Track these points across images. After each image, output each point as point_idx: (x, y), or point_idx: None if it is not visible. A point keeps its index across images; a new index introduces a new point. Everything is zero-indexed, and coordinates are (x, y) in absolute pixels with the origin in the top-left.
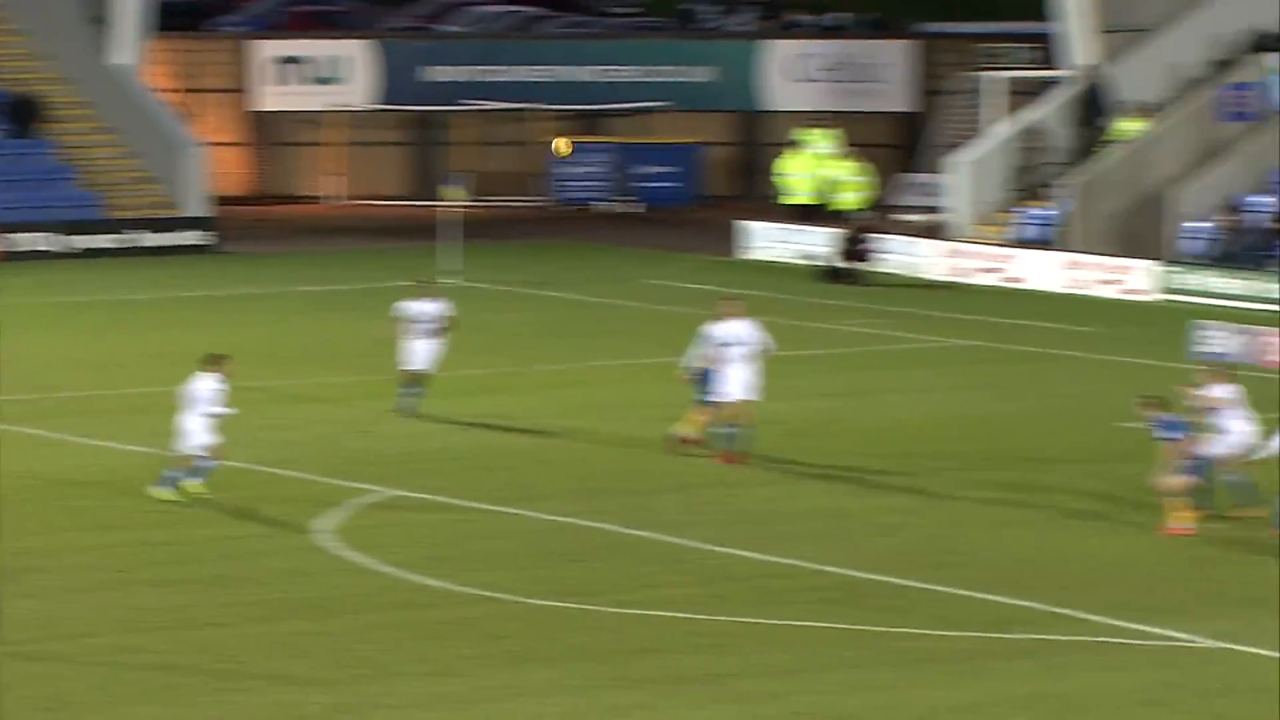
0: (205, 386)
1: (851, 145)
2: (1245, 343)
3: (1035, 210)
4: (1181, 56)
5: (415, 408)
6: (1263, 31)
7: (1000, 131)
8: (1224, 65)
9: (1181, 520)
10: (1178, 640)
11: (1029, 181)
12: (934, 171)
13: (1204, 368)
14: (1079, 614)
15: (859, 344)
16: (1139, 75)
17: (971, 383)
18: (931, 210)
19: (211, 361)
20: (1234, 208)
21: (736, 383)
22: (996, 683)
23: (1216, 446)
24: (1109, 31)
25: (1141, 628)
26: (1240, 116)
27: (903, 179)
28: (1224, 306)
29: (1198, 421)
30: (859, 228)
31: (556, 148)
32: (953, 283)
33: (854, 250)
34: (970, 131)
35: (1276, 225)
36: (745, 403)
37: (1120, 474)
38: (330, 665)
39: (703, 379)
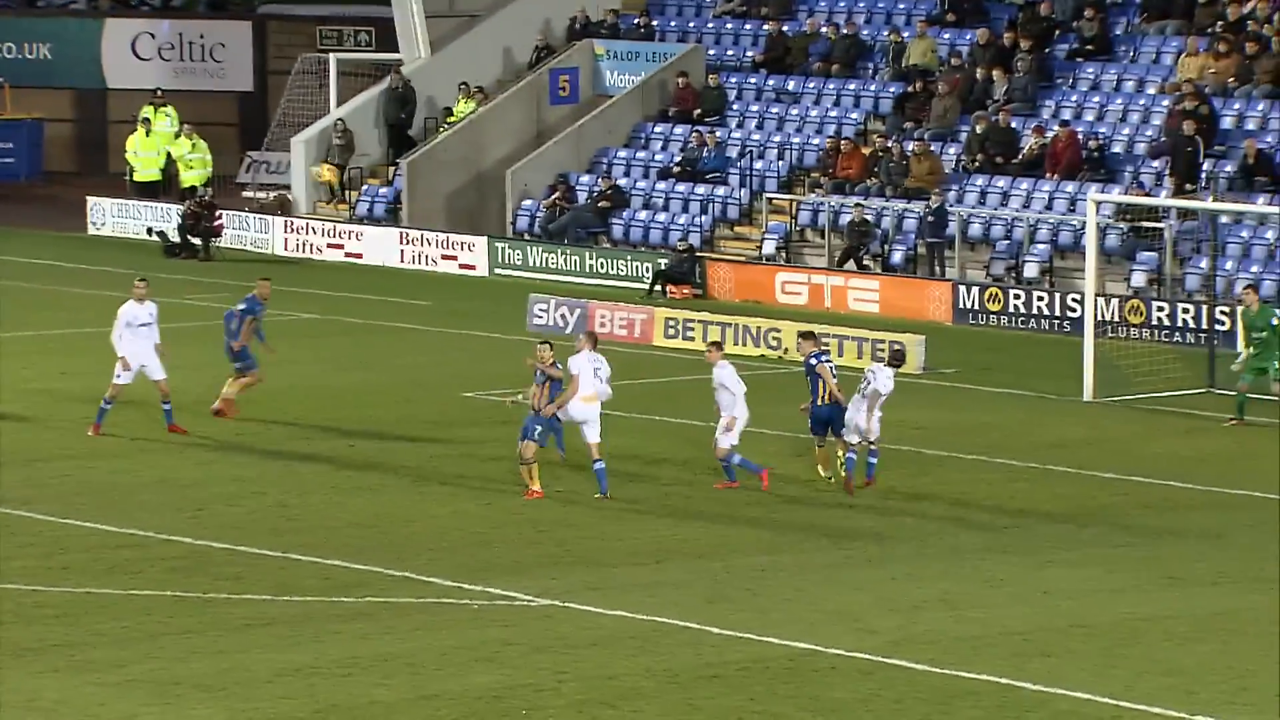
0: None
1: (194, 123)
2: (575, 316)
3: (375, 187)
4: (513, 41)
5: None
6: (589, 18)
7: (337, 112)
8: (551, 51)
9: (534, 485)
10: (515, 599)
11: (349, 161)
12: (278, 150)
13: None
14: (421, 577)
15: (204, 318)
16: (472, 58)
17: (316, 355)
18: (276, 188)
19: None
20: (563, 186)
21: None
22: (337, 644)
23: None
24: (440, 16)
25: (480, 588)
26: (567, 100)
27: (248, 157)
28: (554, 281)
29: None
30: (202, 204)
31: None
32: (297, 258)
33: (198, 226)
34: (312, 111)
35: (601, 203)
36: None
37: (463, 440)
38: None
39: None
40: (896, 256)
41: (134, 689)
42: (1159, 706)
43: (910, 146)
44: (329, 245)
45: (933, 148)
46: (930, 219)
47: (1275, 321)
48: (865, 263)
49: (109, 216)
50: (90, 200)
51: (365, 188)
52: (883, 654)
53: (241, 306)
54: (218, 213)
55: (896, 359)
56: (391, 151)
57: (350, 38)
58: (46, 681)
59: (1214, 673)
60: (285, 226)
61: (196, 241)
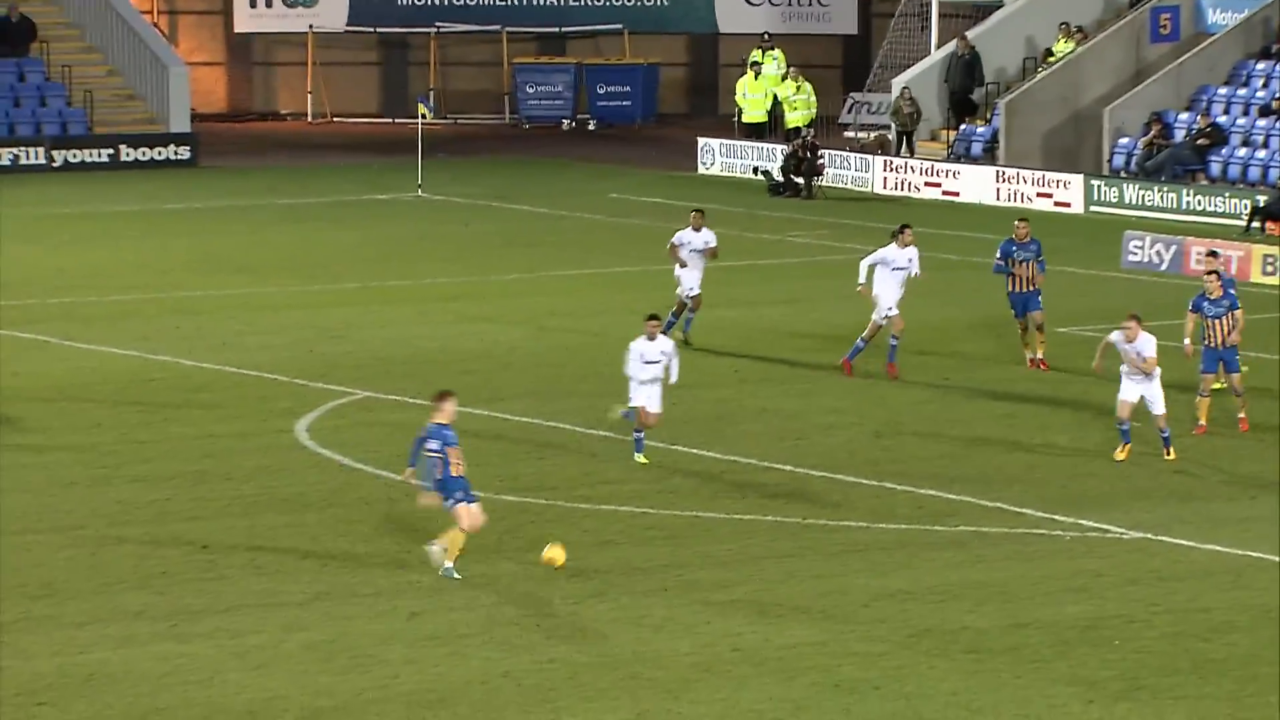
0: None
1: (799, 66)
2: (1171, 253)
3: (973, 127)
4: None
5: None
6: None
7: (940, 53)
8: None
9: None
10: (1107, 531)
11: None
12: (879, 91)
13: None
14: (1012, 508)
15: (806, 254)
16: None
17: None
18: (877, 128)
19: None
20: (1161, 125)
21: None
22: (931, 571)
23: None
24: None
25: (1071, 519)
26: (1167, 38)
27: (850, 98)
28: (1150, 219)
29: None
30: (806, 144)
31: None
32: (897, 196)
33: (801, 165)
34: (914, 53)
35: (1199, 141)
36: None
37: (1053, 377)
38: (305, 556)
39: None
40: None
41: (736, 609)
42: None
43: None
44: (926, 184)
45: None
46: None
47: None
48: None
49: (717, 156)
50: (700, 141)
51: (964, 128)
52: None
53: (998, 255)
54: (820, 153)
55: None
56: (952, 117)
57: None
58: (654, 600)
59: None
60: (885, 165)
61: (799, 180)
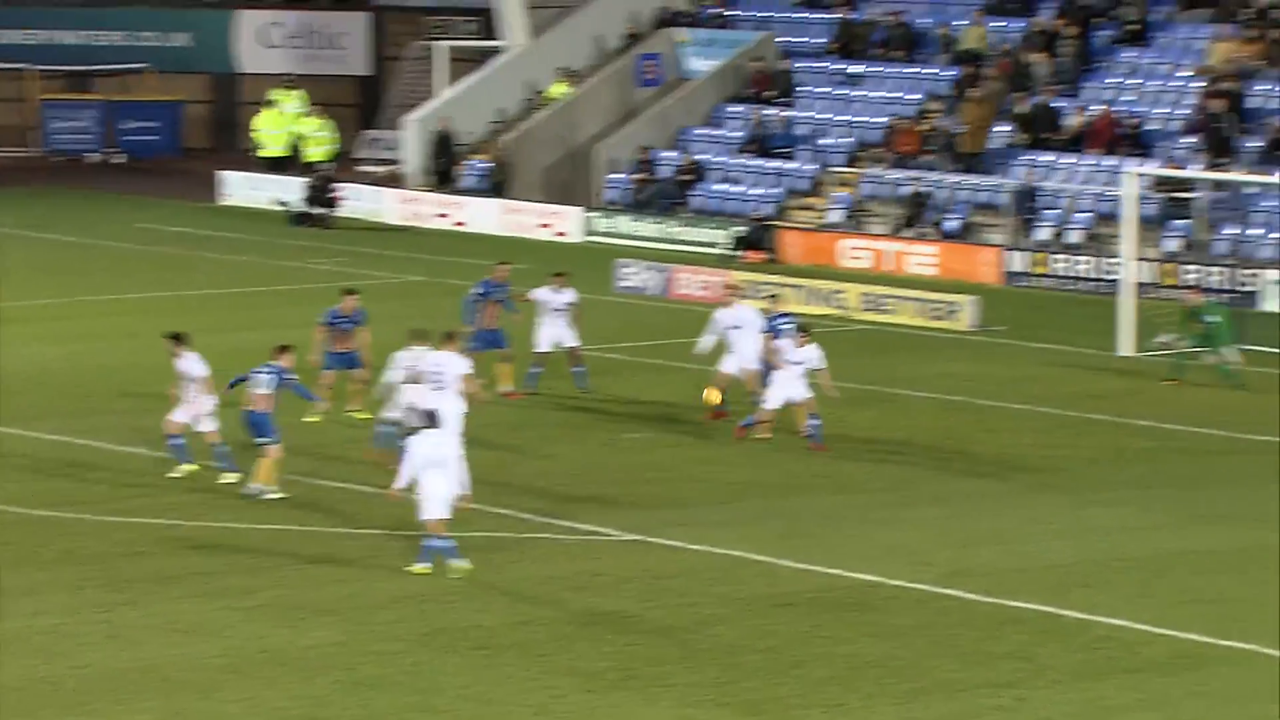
0: None
1: (317, 104)
2: (659, 279)
3: (478, 162)
4: (603, 29)
5: None
6: (672, 9)
7: (446, 94)
8: (638, 38)
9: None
10: (605, 534)
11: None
12: (391, 129)
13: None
14: (518, 514)
15: (327, 280)
16: (566, 44)
17: (429, 313)
18: (390, 163)
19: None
20: (648, 161)
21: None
22: (443, 575)
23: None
24: (538, 7)
25: (569, 524)
26: (653, 82)
27: (364, 135)
28: (640, 247)
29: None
30: (325, 177)
31: (707, 399)
32: (408, 226)
33: (321, 197)
34: (422, 94)
35: (682, 177)
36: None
37: (550, 390)
38: None
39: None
40: (952, 224)
41: (263, 613)
42: (1188, 632)
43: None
44: (436, 215)
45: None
46: (1018, 196)
47: (1218, 318)
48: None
49: (239, 188)
50: (222, 174)
51: (468, 163)
52: (938, 584)
53: (479, 290)
54: (333, 185)
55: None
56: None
57: (458, 26)
58: (185, 606)
59: (1240, 601)
60: (397, 198)
61: (319, 211)
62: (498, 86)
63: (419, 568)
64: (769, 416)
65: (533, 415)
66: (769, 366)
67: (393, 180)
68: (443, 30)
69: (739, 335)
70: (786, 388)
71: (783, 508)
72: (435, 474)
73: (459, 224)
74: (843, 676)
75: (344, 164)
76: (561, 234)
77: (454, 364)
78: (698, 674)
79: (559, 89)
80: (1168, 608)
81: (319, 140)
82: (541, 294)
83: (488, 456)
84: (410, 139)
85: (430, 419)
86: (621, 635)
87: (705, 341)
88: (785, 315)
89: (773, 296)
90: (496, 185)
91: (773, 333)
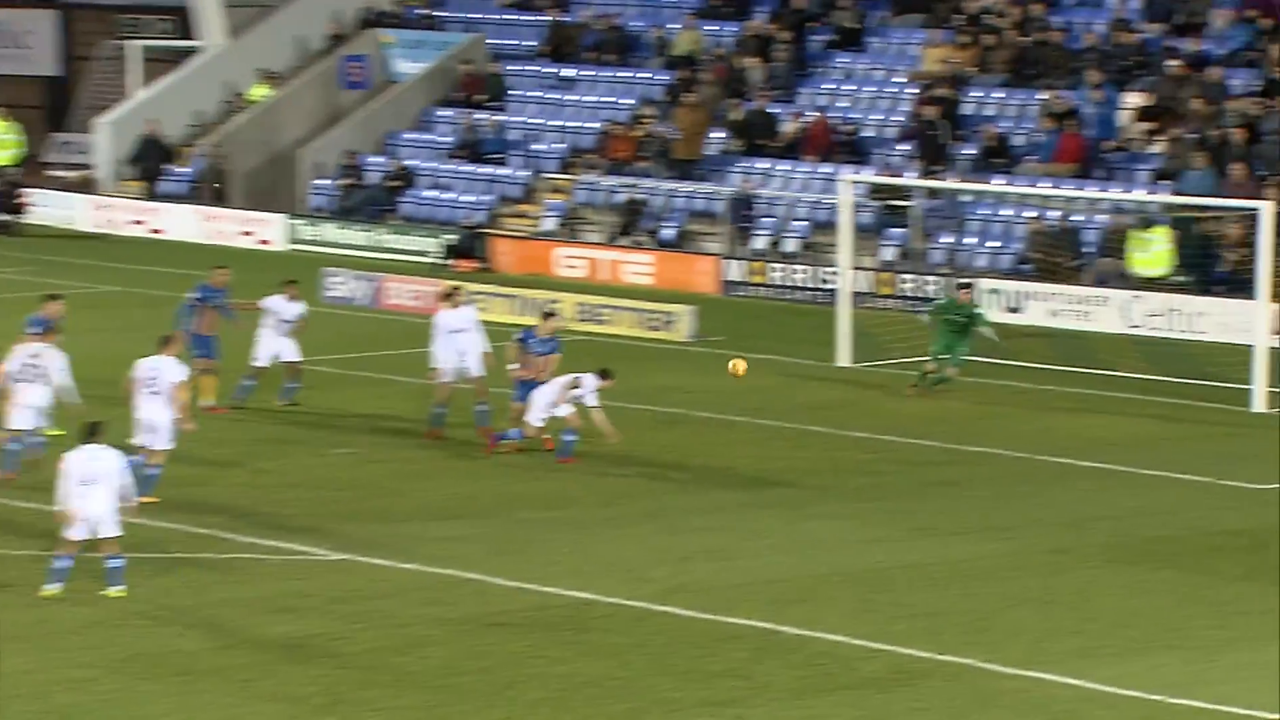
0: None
1: (1, 106)
2: (368, 288)
3: (173, 168)
4: (305, 30)
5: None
6: (376, 9)
7: (141, 96)
8: (342, 39)
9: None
10: (312, 555)
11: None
12: (83, 132)
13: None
14: (221, 534)
15: (15, 290)
16: (267, 45)
17: (125, 324)
18: (82, 167)
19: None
20: (355, 167)
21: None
22: (138, 598)
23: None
24: (236, 6)
25: (275, 544)
26: (358, 85)
27: (54, 138)
28: (347, 255)
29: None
30: (10, 182)
31: (734, 369)
32: (102, 234)
33: (7, 203)
34: (114, 95)
35: (391, 183)
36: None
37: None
38: None
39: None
40: (668, 232)
41: None
42: (908, 647)
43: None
44: (131, 222)
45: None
46: (735, 204)
47: (975, 312)
48: (638, 238)
49: None
50: None
51: (165, 168)
52: (655, 601)
53: (196, 295)
54: (19, 190)
55: (605, 375)
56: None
57: (152, 25)
58: None
59: (957, 615)
60: (89, 204)
61: (4, 218)
62: (196, 88)
63: (49, 590)
64: (533, 433)
65: (238, 430)
66: (528, 384)
67: (85, 185)
68: (136, 29)
69: (463, 339)
70: (548, 406)
71: (495, 524)
72: (90, 491)
73: (156, 231)
74: (557, 697)
75: (32, 168)
76: (265, 242)
77: (170, 370)
78: (407, 698)
79: (260, 91)
80: (886, 622)
81: (4, 144)
82: (273, 303)
83: (189, 472)
84: (103, 142)
85: (91, 432)
86: (329, 659)
87: (438, 350)
88: (551, 338)
89: (549, 314)
90: (215, 191)
91: (534, 349)
